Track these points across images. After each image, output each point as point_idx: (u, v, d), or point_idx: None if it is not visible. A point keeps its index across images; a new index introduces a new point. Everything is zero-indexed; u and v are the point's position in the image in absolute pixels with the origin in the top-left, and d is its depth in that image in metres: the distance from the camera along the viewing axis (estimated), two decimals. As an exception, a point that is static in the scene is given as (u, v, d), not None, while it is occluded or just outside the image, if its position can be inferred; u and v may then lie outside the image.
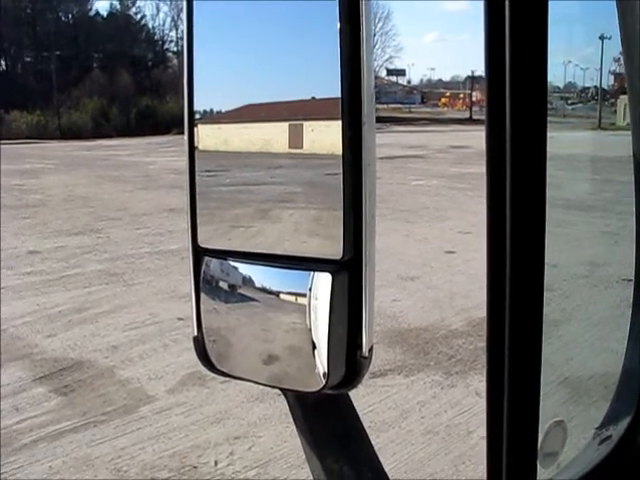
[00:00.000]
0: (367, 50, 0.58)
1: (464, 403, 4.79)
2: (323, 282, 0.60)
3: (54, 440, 4.40)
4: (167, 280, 8.07)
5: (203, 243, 0.69)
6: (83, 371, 5.54)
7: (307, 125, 0.62)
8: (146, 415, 4.76)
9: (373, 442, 0.78)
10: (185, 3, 0.67)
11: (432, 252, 9.43)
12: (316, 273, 0.60)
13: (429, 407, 4.81)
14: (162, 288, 7.79)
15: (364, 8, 0.57)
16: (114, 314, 6.98)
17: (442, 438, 4.35)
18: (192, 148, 0.69)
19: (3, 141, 33.00)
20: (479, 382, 5.00)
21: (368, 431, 0.78)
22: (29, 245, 10.34)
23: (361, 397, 4.61)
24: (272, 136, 0.66)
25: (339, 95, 0.58)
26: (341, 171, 0.59)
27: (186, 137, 0.69)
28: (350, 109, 0.58)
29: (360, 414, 0.76)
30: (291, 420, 0.77)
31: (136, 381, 5.35)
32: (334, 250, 0.60)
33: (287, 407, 0.76)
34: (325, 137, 0.61)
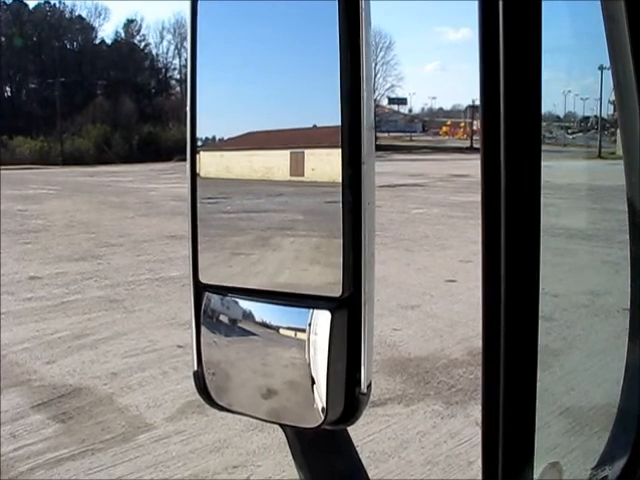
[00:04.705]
0: (367, 80, 0.59)
1: (464, 433, 4.75)
2: (322, 318, 0.60)
3: (51, 468, 4.36)
4: (167, 307, 8.04)
5: (204, 279, 0.69)
6: (82, 398, 5.50)
7: (308, 153, 0.63)
8: (144, 443, 4.72)
9: (372, 473, 0.78)
10: (189, 32, 0.67)
11: (433, 281, 9.41)
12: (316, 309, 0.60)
13: (429, 437, 4.76)
14: (162, 315, 7.76)
15: (364, 37, 0.58)
16: (114, 341, 6.95)
17: (442, 469, 4.31)
18: (194, 199, 0.69)
19: (7, 167, 33.14)
20: (480, 412, 4.96)
21: (367, 461, 0.77)
22: (30, 270, 10.33)
23: (360, 426, 4.57)
24: (273, 164, 0.66)
25: (339, 125, 0.59)
26: (341, 210, 0.59)
27: (189, 188, 0.69)
28: (350, 140, 0.59)
29: (359, 444, 0.76)
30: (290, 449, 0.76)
31: (135, 409, 5.30)
32: (334, 279, 0.60)
33: (285, 438, 0.75)
34: (326, 165, 0.62)
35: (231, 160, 0.70)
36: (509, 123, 0.62)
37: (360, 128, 0.59)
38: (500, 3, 0.62)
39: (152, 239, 13.06)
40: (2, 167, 32.04)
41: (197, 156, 0.69)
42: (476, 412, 5.01)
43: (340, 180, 0.59)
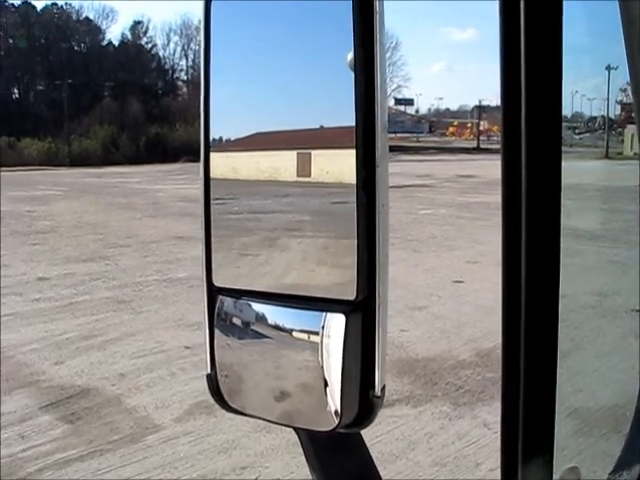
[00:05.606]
0: (381, 81, 0.58)
1: (472, 434, 4.74)
2: (336, 321, 0.60)
3: (60, 469, 4.37)
4: (175, 308, 8.06)
5: (218, 282, 0.69)
6: (90, 399, 5.52)
7: (315, 154, 0.63)
8: (152, 444, 4.73)
9: (380, 473, 0.77)
10: (202, 33, 0.67)
11: (440, 282, 9.40)
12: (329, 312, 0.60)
13: (437, 438, 4.76)
14: (169, 316, 7.78)
15: (378, 38, 0.58)
16: (121, 342, 6.97)
17: (450, 470, 4.30)
18: (208, 202, 0.69)
19: (15, 168, 33.27)
20: (487, 413, 4.95)
21: (375, 462, 0.77)
22: (38, 271, 10.36)
23: (368, 428, 4.55)
24: (280, 164, 0.66)
25: (353, 125, 0.58)
26: (355, 213, 0.59)
27: (202, 191, 0.69)
28: (364, 141, 0.59)
29: (367, 445, 0.76)
30: (298, 450, 0.76)
31: (143, 409, 5.32)
32: (347, 281, 0.60)
33: (295, 437, 0.75)
34: (333, 166, 0.62)
35: (238, 161, 0.70)
36: (530, 124, 0.62)
37: (374, 129, 0.59)
38: (522, 3, 0.62)
39: (160, 240, 13.08)
40: (10, 168, 32.17)
41: (210, 158, 0.69)
42: (483, 413, 5.00)
43: (349, 181, 0.59)
